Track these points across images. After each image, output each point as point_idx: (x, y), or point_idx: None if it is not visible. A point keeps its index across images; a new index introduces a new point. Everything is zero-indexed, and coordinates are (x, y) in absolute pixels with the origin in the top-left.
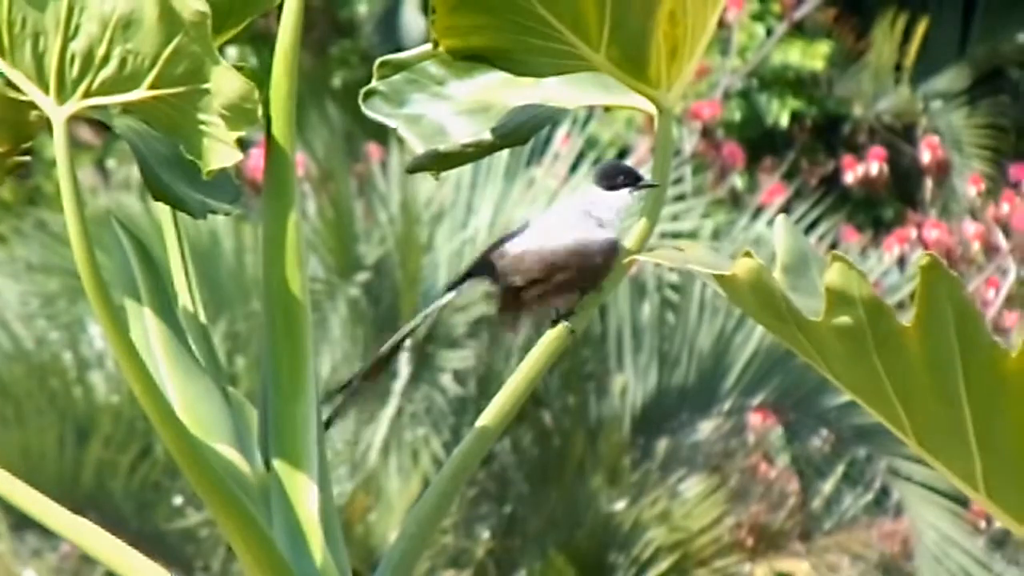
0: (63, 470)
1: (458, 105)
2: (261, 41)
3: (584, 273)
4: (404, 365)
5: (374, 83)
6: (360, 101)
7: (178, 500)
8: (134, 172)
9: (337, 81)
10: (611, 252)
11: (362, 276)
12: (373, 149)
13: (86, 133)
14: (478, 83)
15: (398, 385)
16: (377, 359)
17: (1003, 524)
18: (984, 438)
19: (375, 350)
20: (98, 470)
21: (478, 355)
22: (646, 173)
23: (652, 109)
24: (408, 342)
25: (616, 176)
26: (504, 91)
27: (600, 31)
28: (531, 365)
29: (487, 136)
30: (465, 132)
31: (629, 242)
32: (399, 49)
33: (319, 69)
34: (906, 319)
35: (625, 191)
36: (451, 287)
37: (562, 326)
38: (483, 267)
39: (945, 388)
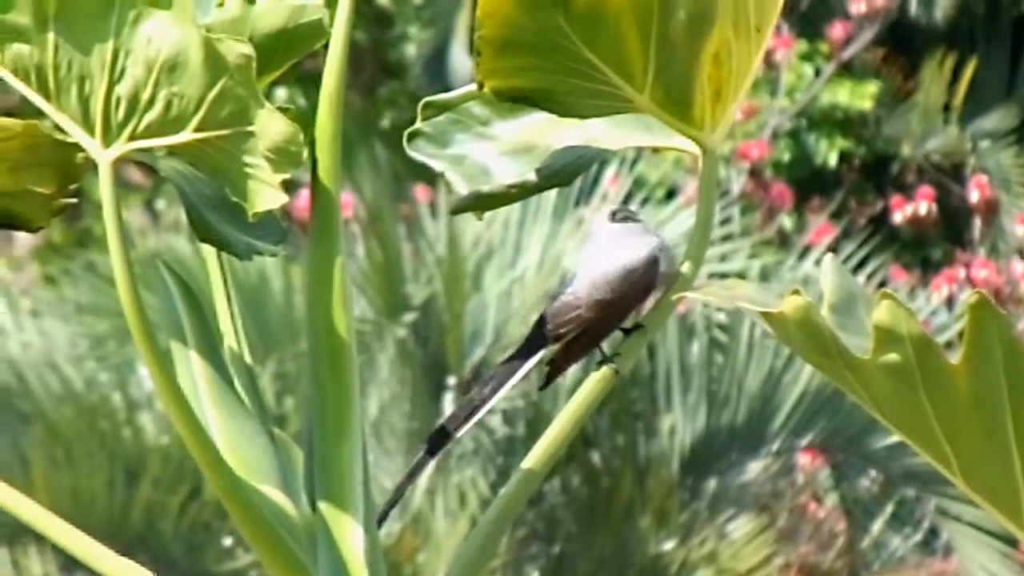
0: (112, 511)
1: (502, 146)
2: (310, 82)
3: (637, 292)
4: (449, 406)
5: (418, 124)
6: (404, 142)
7: (228, 541)
8: (183, 214)
9: (386, 122)
10: (654, 267)
11: (409, 316)
12: (421, 190)
13: (136, 174)
14: (522, 124)
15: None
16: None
17: None
18: None
19: (423, 391)
20: (147, 511)
21: (525, 395)
22: (693, 215)
23: (696, 150)
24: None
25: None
26: (548, 132)
27: (644, 73)
28: (576, 407)
29: (531, 177)
30: (509, 173)
31: (676, 281)
32: (447, 89)
33: (368, 110)
34: (954, 358)
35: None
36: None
37: (607, 367)
38: (541, 332)
39: (993, 427)
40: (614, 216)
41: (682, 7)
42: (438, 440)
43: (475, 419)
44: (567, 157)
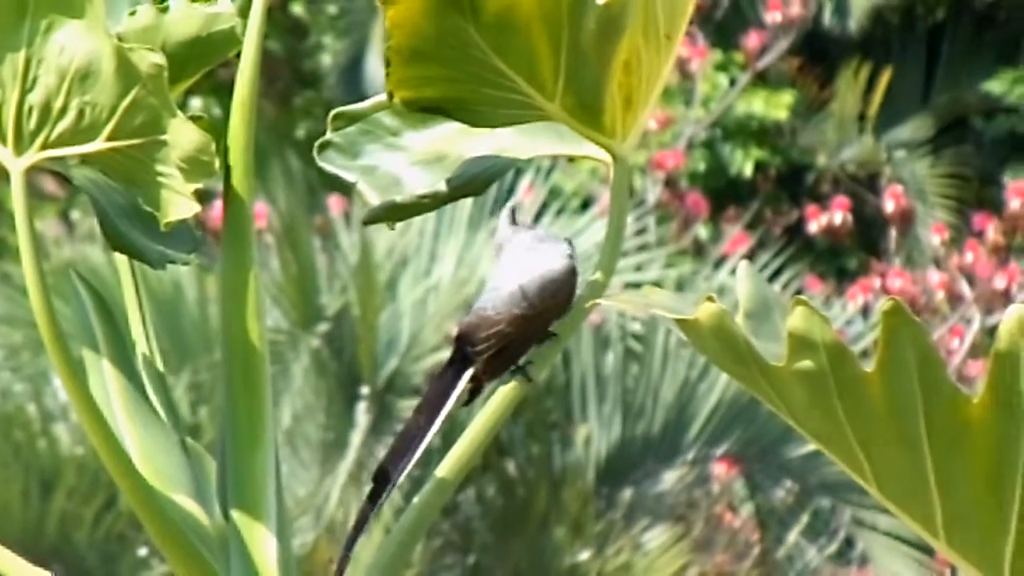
0: (27, 522)
1: (413, 156)
2: (225, 92)
3: (559, 303)
4: (362, 415)
5: (328, 135)
6: (315, 153)
7: (143, 552)
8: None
9: (300, 132)
10: (574, 276)
11: (323, 327)
12: (335, 200)
13: (51, 184)
14: (433, 134)
15: (356, 436)
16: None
17: (963, 571)
18: (945, 485)
19: (337, 400)
20: (62, 522)
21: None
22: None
23: (607, 158)
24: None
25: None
26: (459, 141)
27: (555, 81)
28: (489, 415)
29: (443, 187)
30: (420, 183)
31: (585, 292)
32: (363, 100)
33: (282, 120)
34: (869, 367)
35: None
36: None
37: (520, 376)
38: (464, 349)
39: (907, 434)
40: (514, 218)
41: (592, 15)
42: (381, 483)
43: (417, 454)
44: (479, 166)
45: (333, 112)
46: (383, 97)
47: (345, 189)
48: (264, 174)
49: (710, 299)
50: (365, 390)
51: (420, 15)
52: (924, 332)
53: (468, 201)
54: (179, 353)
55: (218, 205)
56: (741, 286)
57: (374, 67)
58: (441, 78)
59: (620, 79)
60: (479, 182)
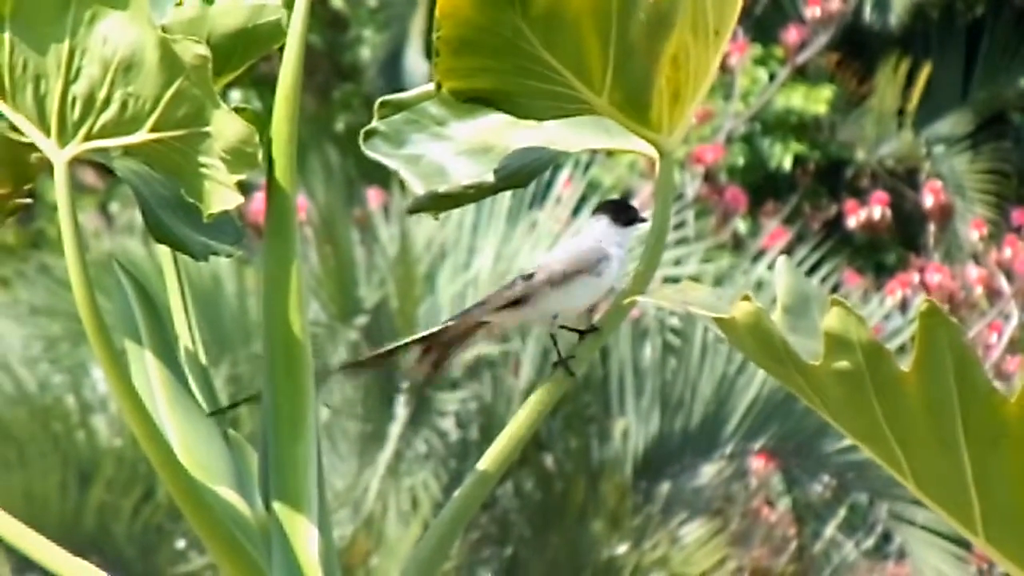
0: (65, 513)
1: (459, 146)
2: (264, 84)
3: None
4: (401, 408)
5: (374, 123)
6: (360, 141)
7: (181, 544)
8: (137, 216)
9: (339, 125)
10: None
11: (361, 320)
12: (374, 193)
13: (90, 176)
14: (479, 124)
15: (394, 429)
16: (387, 351)
17: (1002, 567)
18: (982, 483)
19: (375, 394)
20: (100, 513)
21: (478, 398)
22: (649, 218)
23: (654, 153)
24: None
25: (629, 211)
26: (505, 133)
27: (603, 75)
28: (531, 409)
29: (488, 178)
30: (465, 173)
31: (628, 286)
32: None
33: (321, 113)
34: (907, 364)
35: (638, 226)
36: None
37: (562, 369)
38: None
39: (944, 433)
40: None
41: (641, 10)
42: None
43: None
44: (524, 158)
45: (379, 100)
46: (430, 86)
47: (384, 182)
48: (303, 166)
49: (746, 298)
50: (404, 383)
51: (470, 6)
52: (960, 332)
53: (507, 194)
54: (218, 345)
55: (257, 198)
56: (780, 281)
57: (413, 60)
58: (489, 69)
59: (668, 74)
60: (524, 174)
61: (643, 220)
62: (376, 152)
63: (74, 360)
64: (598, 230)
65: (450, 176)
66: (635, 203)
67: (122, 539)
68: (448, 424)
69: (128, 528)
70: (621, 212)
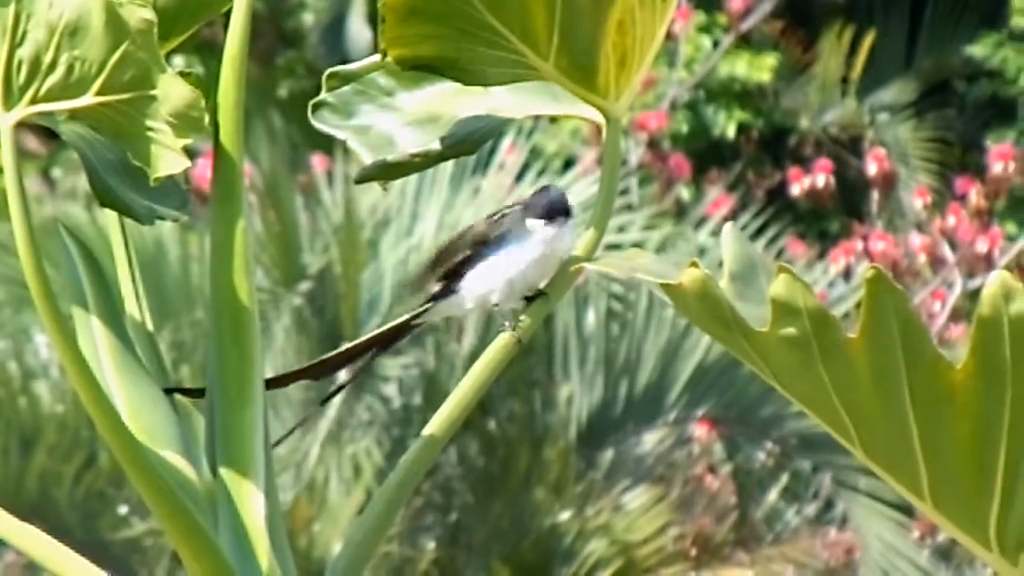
0: (7, 479)
1: (406, 116)
2: (207, 50)
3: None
4: (343, 374)
5: (323, 95)
6: (309, 113)
7: (123, 509)
8: (80, 181)
9: (283, 91)
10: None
11: (305, 285)
12: (318, 159)
13: (32, 142)
14: (427, 93)
15: (336, 395)
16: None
17: (948, 533)
18: (929, 448)
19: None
20: (42, 479)
21: (421, 363)
22: (591, 184)
23: (600, 119)
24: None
25: (551, 209)
26: (453, 101)
27: (549, 40)
28: (478, 374)
29: (435, 146)
30: (414, 142)
31: (576, 252)
32: (345, 59)
33: (265, 79)
34: (852, 331)
35: (558, 225)
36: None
37: (509, 334)
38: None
39: (891, 399)
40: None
41: None
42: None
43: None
44: (471, 126)
45: (328, 72)
46: (377, 57)
47: (328, 148)
48: (247, 133)
49: (694, 264)
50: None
51: None
52: (906, 299)
53: (450, 162)
54: (161, 311)
55: (200, 163)
56: (726, 248)
57: (356, 27)
58: (435, 36)
59: (614, 39)
60: (472, 141)
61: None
62: (325, 124)
63: (16, 326)
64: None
65: (398, 146)
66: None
67: (64, 505)
68: (391, 390)
69: (70, 494)
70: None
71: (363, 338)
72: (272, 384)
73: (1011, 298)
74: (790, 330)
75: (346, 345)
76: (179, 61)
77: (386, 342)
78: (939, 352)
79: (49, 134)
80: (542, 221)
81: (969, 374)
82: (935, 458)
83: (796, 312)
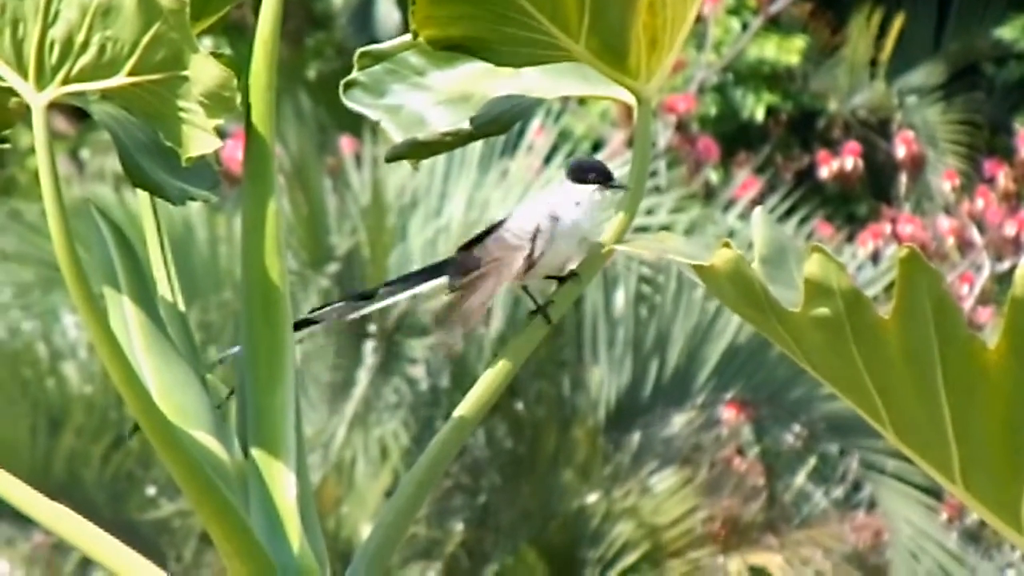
0: (35, 460)
1: (438, 95)
2: (235, 32)
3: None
4: (370, 355)
5: (354, 74)
6: (340, 92)
7: (151, 490)
8: (108, 162)
9: (311, 73)
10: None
11: (333, 267)
12: (346, 141)
13: (61, 123)
14: (458, 73)
15: (364, 376)
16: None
17: (979, 515)
18: (961, 429)
19: (347, 341)
20: (70, 460)
21: (448, 346)
22: (620, 166)
23: (631, 100)
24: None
25: (588, 172)
26: (484, 81)
27: (580, 21)
28: (509, 356)
29: (465, 125)
30: (445, 122)
31: (607, 235)
32: (373, 41)
33: (294, 60)
34: (882, 313)
35: (593, 187)
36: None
37: (540, 317)
38: (453, 262)
39: (923, 380)
40: (585, 176)
41: None
42: (306, 322)
43: (358, 313)
44: (502, 106)
45: (359, 51)
46: (408, 37)
47: (356, 129)
48: (276, 114)
49: (726, 245)
50: (373, 329)
51: None
52: (940, 279)
53: (479, 142)
54: (188, 292)
55: (229, 145)
56: (757, 232)
57: (384, 8)
58: (466, 16)
59: (645, 20)
60: (503, 121)
61: (605, 179)
62: (356, 103)
63: (45, 307)
64: (554, 193)
65: (429, 125)
66: (604, 154)
67: (92, 486)
68: (418, 372)
69: (98, 475)
70: (580, 172)
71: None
72: (302, 325)
73: None
74: (823, 310)
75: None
76: (208, 42)
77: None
78: (972, 332)
79: (78, 115)
80: (593, 187)
81: (1002, 355)
82: (967, 440)
83: (829, 292)
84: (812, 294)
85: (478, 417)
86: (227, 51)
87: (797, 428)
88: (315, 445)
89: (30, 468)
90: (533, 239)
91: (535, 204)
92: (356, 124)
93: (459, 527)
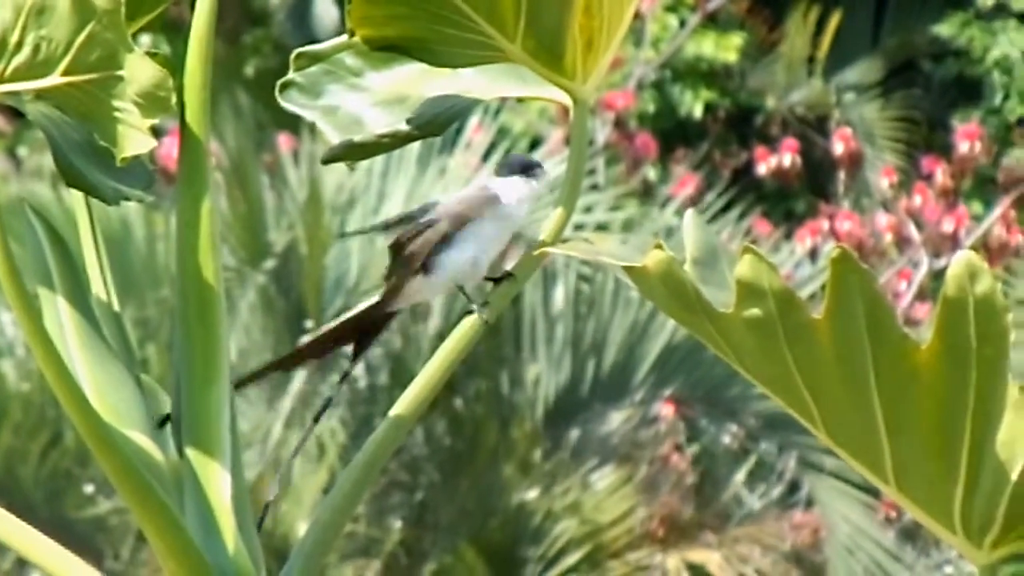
0: None
1: (374, 96)
2: (173, 30)
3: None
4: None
5: (290, 75)
6: (276, 93)
7: (89, 488)
8: (46, 160)
9: (249, 70)
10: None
11: (270, 264)
12: (284, 138)
13: None
14: (395, 74)
15: (300, 373)
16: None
17: (912, 515)
18: (894, 430)
19: (284, 338)
20: (7, 458)
21: (386, 342)
22: (558, 164)
23: (568, 101)
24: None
25: (514, 166)
26: (421, 82)
27: (516, 22)
28: (445, 354)
29: (403, 127)
30: (381, 123)
31: (544, 233)
32: (312, 38)
33: (231, 58)
34: (818, 311)
35: (518, 177)
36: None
37: (476, 316)
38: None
39: (855, 380)
40: (512, 170)
41: None
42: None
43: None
44: (439, 107)
45: (296, 52)
46: (345, 38)
47: (294, 127)
48: (213, 112)
49: (659, 246)
50: (310, 325)
51: None
52: (872, 279)
53: (417, 142)
54: (126, 290)
55: (166, 143)
56: (688, 233)
57: (322, 6)
58: (402, 16)
59: (581, 22)
60: (439, 122)
61: (536, 168)
62: (292, 104)
63: None
64: (487, 180)
65: (366, 126)
66: (543, 152)
67: (29, 483)
68: (356, 370)
69: (35, 472)
70: (514, 165)
71: (336, 322)
72: (241, 384)
73: (976, 278)
74: (755, 311)
75: (321, 330)
76: (146, 40)
77: (362, 330)
78: (905, 332)
79: (15, 113)
80: (519, 177)
81: (934, 354)
82: (899, 440)
83: (761, 293)
84: (744, 295)
85: (415, 415)
86: (166, 49)
87: (735, 426)
88: (252, 441)
89: None
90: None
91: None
92: (294, 122)
93: (397, 525)
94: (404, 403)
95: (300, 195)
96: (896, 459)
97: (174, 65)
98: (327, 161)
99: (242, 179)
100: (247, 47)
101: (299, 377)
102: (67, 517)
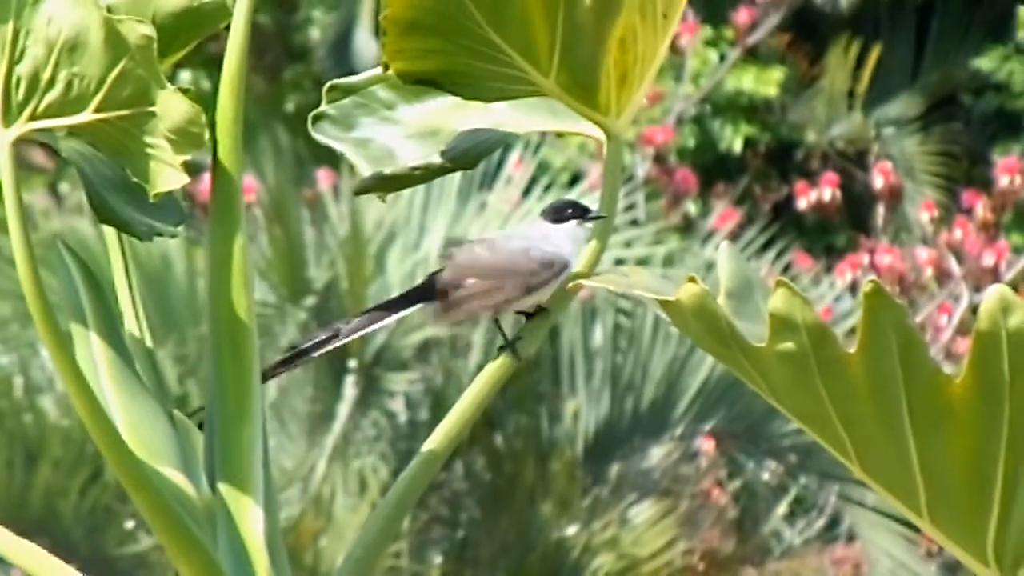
0: (12, 494)
1: (407, 129)
2: (214, 65)
3: (528, 281)
4: (350, 388)
5: (323, 107)
6: (309, 125)
7: (129, 524)
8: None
9: (290, 106)
10: (560, 268)
11: (311, 300)
12: (324, 173)
13: (39, 157)
14: (428, 107)
15: (343, 409)
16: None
17: (946, 548)
18: (927, 464)
19: (325, 374)
20: (47, 494)
21: (427, 378)
22: (596, 201)
23: (601, 136)
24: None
25: (564, 210)
26: (453, 115)
27: (550, 57)
28: (478, 391)
29: (435, 159)
30: (414, 156)
31: (578, 266)
32: (352, 73)
33: (271, 94)
34: (852, 345)
35: (572, 223)
36: (400, 305)
37: (508, 353)
38: (431, 286)
39: (888, 414)
40: (562, 215)
41: None
42: (290, 359)
43: (331, 347)
44: (472, 140)
45: (328, 84)
46: (379, 70)
47: (334, 162)
48: (253, 147)
49: (692, 280)
50: (353, 363)
51: None
52: (905, 314)
53: (457, 174)
54: (166, 325)
55: (206, 178)
56: (723, 266)
57: (363, 41)
58: (436, 50)
59: (616, 57)
60: (472, 156)
61: (582, 214)
62: (325, 136)
63: (23, 340)
64: (539, 231)
65: (399, 159)
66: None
67: (69, 520)
68: (397, 406)
69: (75, 509)
70: (557, 211)
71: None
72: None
73: (1009, 312)
74: (788, 345)
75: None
76: (186, 76)
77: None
78: (937, 366)
79: (55, 150)
80: (572, 222)
81: (967, 388)
82: (933, 473)
83: (794, 327)
84: (777, 328)
85: (447, 451)
86: (206, 84)
87: (776, 461)
88: (294, 478)
89: (6, 502)
90: (553, 272)
91: (527, 237)
92: (334, 157)
93: (438, 559)
94: (436, 439)
95: (341, 230)
96: (930, 492)
97: (208, 101)
98: (358, 192)
99: (282, 215)
100: (287, 83)
101: (341, 415)
102: (108, 554)
